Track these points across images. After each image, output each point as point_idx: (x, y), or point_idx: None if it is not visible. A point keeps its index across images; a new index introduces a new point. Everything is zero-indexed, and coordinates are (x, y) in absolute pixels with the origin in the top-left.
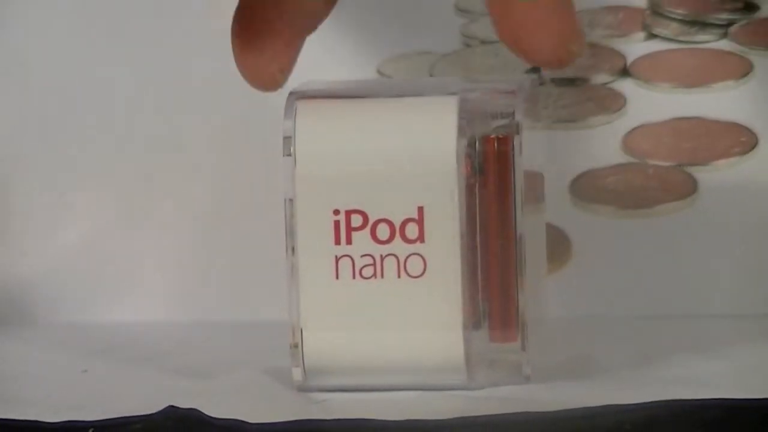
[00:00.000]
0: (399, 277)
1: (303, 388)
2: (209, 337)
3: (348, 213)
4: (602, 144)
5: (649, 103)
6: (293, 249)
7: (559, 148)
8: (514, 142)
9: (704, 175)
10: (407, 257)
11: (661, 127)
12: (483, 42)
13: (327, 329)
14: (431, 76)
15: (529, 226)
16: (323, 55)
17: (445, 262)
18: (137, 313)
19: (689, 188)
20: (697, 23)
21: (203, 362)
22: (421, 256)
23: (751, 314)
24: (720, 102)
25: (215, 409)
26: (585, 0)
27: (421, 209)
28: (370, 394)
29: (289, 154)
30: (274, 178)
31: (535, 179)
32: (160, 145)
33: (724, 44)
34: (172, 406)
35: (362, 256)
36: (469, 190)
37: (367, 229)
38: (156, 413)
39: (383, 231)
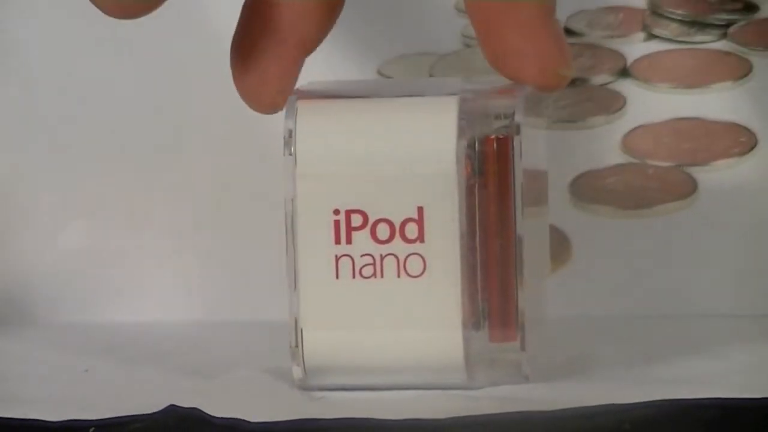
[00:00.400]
0: (399, 276)
1: (303, 387)
2: (210, 337)
3: (348, 213)
4: (602, 144)
5: (649, 104)
6: (293, 248)
7: (559, 149)
8: (514, 143)
9: (704, 175)
10: (407, 257)
11: (661, 127)
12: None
13: (327, 328)
14: (431, 76)
15: (532, 225)
16: (325, 56)
17: (445, 262)
18: (138, 313)
19: (689, 188)
20: (697, 24)
21: (204, 362)
22: (421, 256)
23: (750, 314)
24: (719, 102)
25: (216, 408)
26: (585, 0)
27: (420, 209)
28: (370, 393)
29: (290, 154)
30: (275, 178)
31: (539, 178)
32: (161, 145)
33: (724, 45)
34: (173, 405)
35: (362, 255)
36: (469, 191)
37: (367, 228)
38: (157, 412)
39: (383, 231)
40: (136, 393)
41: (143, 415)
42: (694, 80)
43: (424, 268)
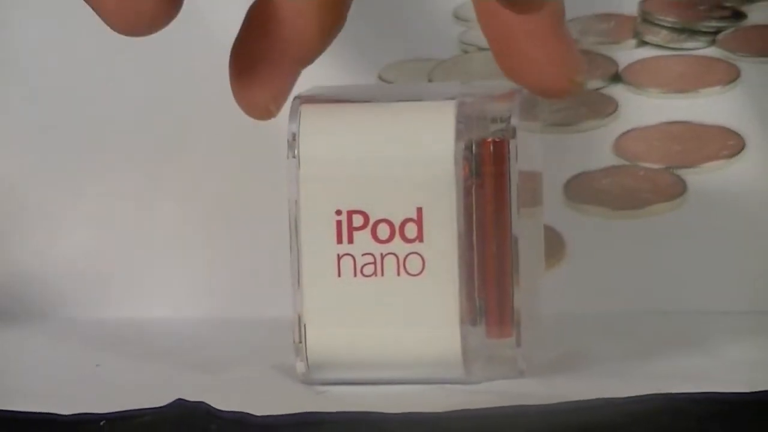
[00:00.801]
0: (398, 275)
1: (306, 382)
2: (216, 334)
3: (350, 213)
4: (595, 147)
5: (640, 108)
6: (297, 248)
7: (553, 151)
8: (510, 146)
9: (693, 177)
10: (406, 256)
11: (652, 130)
12: (480, 49)
13: (329, 325)
14: (430, 81)
15: (528, 225)
16: (328, 61)
17: (443, 260)
18: (147, 311)
19: (678, 190)
20: (687, 31)
21: (211, 357)
22: (420, 255)
23: (737, 311)
24: (708, 107)
25: (222, 402)
26: (579, 8)
27: (420, 210)
28: (371, 387)
29: (294, 156)
30: (281, 178)
31: (534, 179)
32: (167, 143)
33: (713, 51)
34: (181, 400)
35: (363, 254)
36: (467, 192)
37: (368, 228)
38: (165, 406)
39: (383, 231)
40: (145, 387)
41: (152, 408)
42: (683, 85)
43: (423, 267)
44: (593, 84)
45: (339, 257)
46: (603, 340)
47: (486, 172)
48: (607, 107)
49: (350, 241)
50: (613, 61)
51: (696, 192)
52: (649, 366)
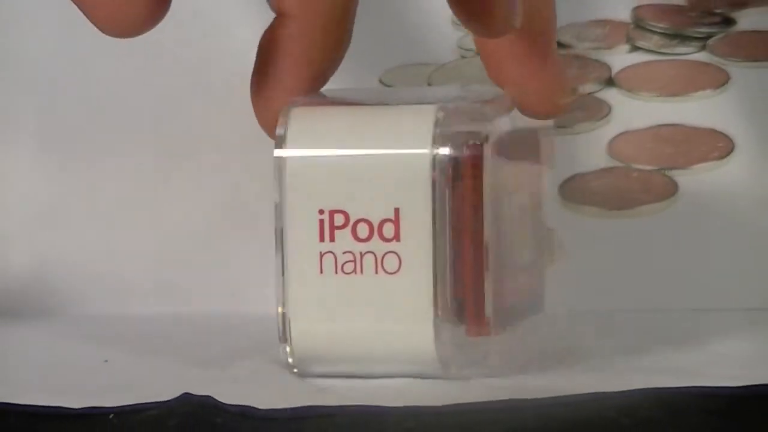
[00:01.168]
0: (377, 273)
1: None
2: (223, 329)
3: (331, 212)
4: (589, 149)
5: (633, 111)
6: (282, 245)
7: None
8: (484, 150)
9: (684, 178)
10: (384, 255)
11: (644, 133)
12: (477, 54)
13: (312, 320)
14: (430, 84)
15: (528, 223)
16: None
17: (418, 259)
18: (155, 307)
19: (670, 190)
20: (678, 36)
21: (217, 352)
22: (397, 254)
23: (727, 308)
24: (699, 110)
25: (228, 396)
26: (573, 14)
27: (397, 210)
28: (372, 381)
29: (281, 157)
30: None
31: (539, 173)
32: (175, 142)
33: (703, 56)
34: (188, 393)
35: (344, 252)
36: (442, 194)
37: (348, 228)
38: (172, 400)
39: (363, 230)
40: (152, 382)
41: (159, 402)
42: (675, 89)
43: (400, 266)
44: (587, 88)
45: (321, 255)
46: (596, 337)
47: (462, 175)
48: (600, 110)
49: (332, 239)
50: (606, 66)
51: (687, 193)
52: (641, 362)
